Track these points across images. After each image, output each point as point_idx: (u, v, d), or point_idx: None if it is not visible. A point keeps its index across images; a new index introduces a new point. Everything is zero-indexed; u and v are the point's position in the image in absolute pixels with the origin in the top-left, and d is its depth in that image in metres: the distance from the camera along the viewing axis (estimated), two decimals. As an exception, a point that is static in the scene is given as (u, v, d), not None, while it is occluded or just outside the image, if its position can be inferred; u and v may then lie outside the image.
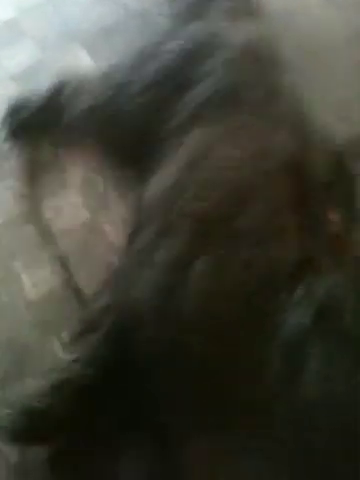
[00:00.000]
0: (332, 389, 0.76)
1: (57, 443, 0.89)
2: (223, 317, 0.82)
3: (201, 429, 0.81)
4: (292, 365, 0.78)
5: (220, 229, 0.91)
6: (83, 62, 1.46)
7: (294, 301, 0.80)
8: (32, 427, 0.88)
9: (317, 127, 1.03)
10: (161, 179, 1.04)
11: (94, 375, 0.88)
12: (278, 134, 0.98)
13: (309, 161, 0.97)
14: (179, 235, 0.93)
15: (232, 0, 1.26)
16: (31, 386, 0.90)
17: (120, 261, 1.05)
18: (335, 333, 0.80)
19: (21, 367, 1.02)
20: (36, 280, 1.13)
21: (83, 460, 0.87)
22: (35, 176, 1.28)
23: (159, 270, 0.91)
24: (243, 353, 0.80)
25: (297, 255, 0.85)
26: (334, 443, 0.74)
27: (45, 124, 1.32)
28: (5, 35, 1.58)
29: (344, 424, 0.74)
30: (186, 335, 0.82)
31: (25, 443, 0.91)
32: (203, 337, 0.81)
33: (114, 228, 1.18)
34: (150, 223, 1.00)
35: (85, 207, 1.22)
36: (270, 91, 1.04)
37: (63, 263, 1.14)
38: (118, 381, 0.87)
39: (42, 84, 1.34)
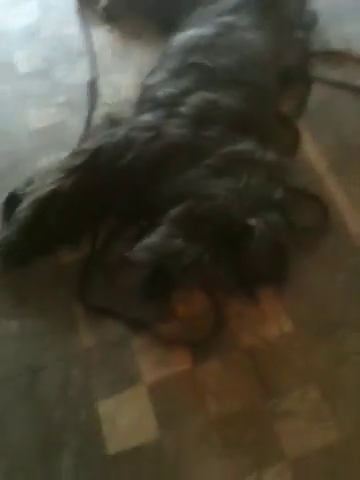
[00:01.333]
0: None
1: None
2: None
3: None
4: None
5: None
6: None
7: None
8: None
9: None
10: (182, 37, 1.36)
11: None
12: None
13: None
14: (186, 77, 1.25)
15: None
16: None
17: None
18: None
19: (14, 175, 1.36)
20: (42, 116, 1.47)
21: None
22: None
23: (160, 101, 1.24)
24: None
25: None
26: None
27: None
28: None
29: None
30: None
31: None
32: None
33: (110, 90, 1.49)
34: (164, 66, 1.32)
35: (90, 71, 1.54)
36: None
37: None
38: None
39: None
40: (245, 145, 1.15)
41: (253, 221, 1.05)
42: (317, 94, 1.38)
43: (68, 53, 1.57)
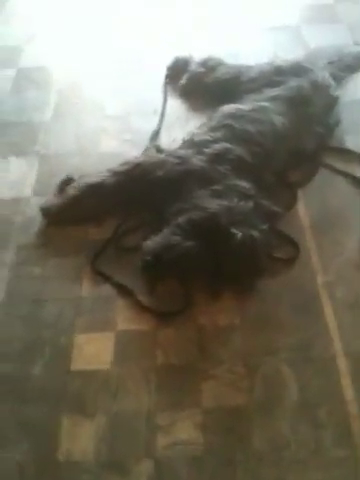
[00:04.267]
0: None
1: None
2: None
3: None
4: None
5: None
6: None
7: None
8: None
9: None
10: (226, 107, 1.79)
11: None
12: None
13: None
14: (218, 132, 1.67)
15: None
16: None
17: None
18: None
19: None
20: (110, 145, 1.92)
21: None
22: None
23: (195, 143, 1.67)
24: None
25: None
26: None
27: None
28: None
29: None
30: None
31: None
32: None
33: (167, 140, 1.91)
34: (207, 124, 1.76)
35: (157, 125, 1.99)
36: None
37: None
38: None
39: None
40: (243, 183, 1.51)
41: (235, 230, 1.38)
42: (320, 174, 1.73)
43: (146, 109, 2.04)
